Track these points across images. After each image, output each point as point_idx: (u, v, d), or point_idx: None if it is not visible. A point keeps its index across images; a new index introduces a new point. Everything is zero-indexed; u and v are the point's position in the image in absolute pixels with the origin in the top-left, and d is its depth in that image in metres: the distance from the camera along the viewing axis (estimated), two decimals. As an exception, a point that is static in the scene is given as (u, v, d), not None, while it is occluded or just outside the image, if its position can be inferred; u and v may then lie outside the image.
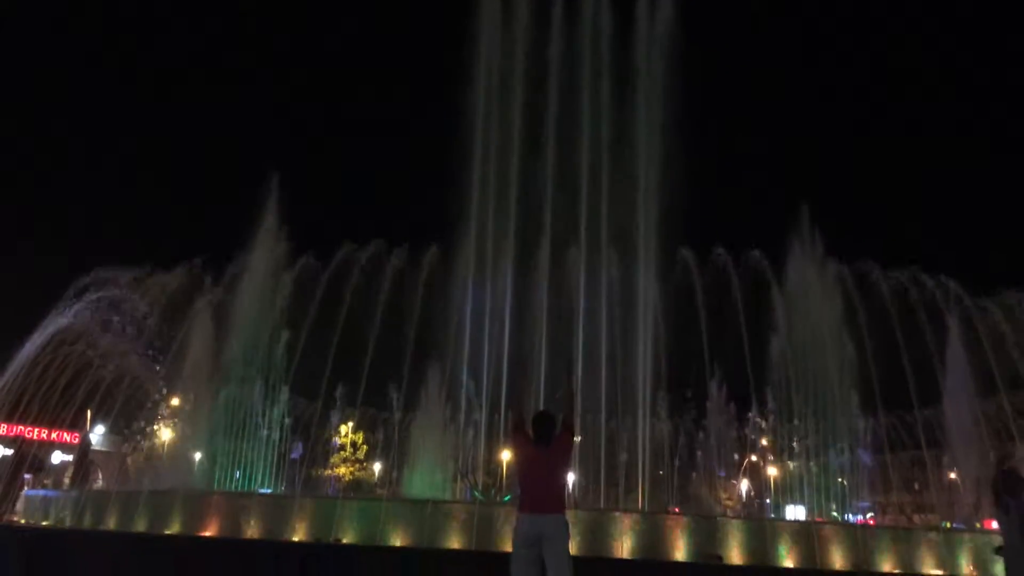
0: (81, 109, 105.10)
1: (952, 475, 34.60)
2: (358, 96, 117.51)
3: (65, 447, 50.82)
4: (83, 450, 38.52)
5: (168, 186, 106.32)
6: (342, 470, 55.26)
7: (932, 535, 16.95)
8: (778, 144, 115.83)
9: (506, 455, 34.47)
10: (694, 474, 43.01)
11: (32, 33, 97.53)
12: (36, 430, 49.03)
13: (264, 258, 30.47)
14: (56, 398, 34.37)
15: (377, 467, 53.07)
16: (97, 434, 48.98)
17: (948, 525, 25.54)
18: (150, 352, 34.57)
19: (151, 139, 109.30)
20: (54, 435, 50.69)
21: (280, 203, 31.81)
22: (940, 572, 15.45)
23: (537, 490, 8.33)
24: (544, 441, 8.58)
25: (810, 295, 29.89)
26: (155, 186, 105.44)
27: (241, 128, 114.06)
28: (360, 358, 25.91)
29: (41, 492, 26.36)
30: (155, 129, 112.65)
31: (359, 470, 57.09)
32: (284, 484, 36.38)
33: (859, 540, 15.80)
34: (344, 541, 15.11)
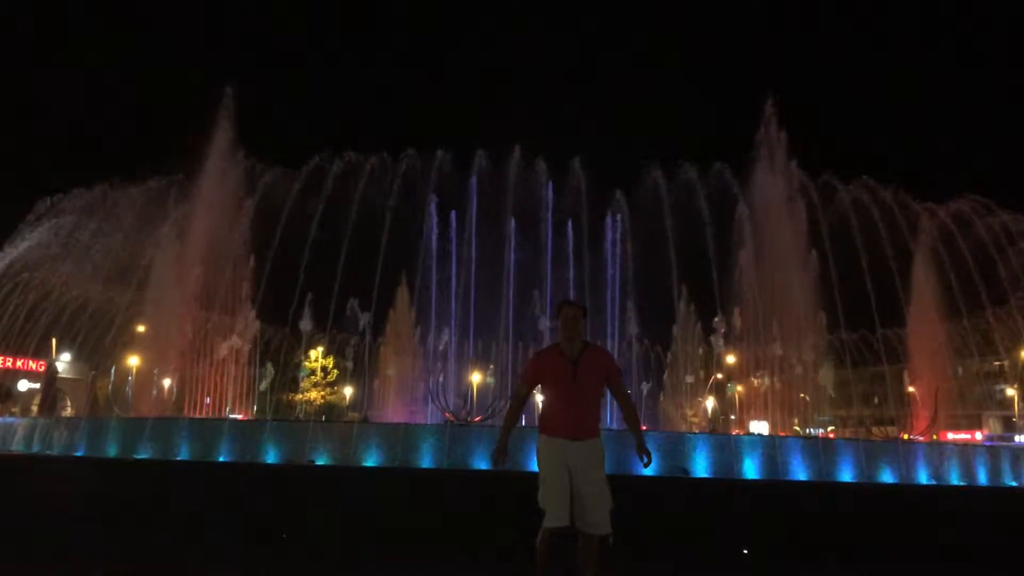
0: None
1: (911, 389, 35.54)
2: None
3: (31, 375, 50.50)
4: (50, 377, 38.29)
5: (135, 113, 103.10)
6: (313, 395, 55.61)
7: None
8: (745, 50, 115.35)
9: (476, 377, 34.79)
10: (662, 393, 43.84)
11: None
12: (1, 358, 48.58)
13: (225, 176, 29.77)
14: (20, 326, 33.96)
15: (348, 391, 53.46)
16: (63, 361, 48.66)
17: (906, 437, 26.30)
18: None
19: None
20: (19, 363, 50.30)
21: (238, 117, 30.92)
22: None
23: (566, 407, 6.70)
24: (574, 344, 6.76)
25: (776, 214, 30.05)
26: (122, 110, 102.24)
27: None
28: (329, 280, 25.80)
29: (9, 419, 26.19)
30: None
31: (330, 394, 57.50)
32: (255, 410, 36.56)
33: (820, 452, 16.31)
34: (318, 464, 15.27)
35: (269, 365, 32.96)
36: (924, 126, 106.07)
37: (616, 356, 30.37)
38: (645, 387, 36.71)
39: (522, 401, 7.37)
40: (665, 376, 42.88)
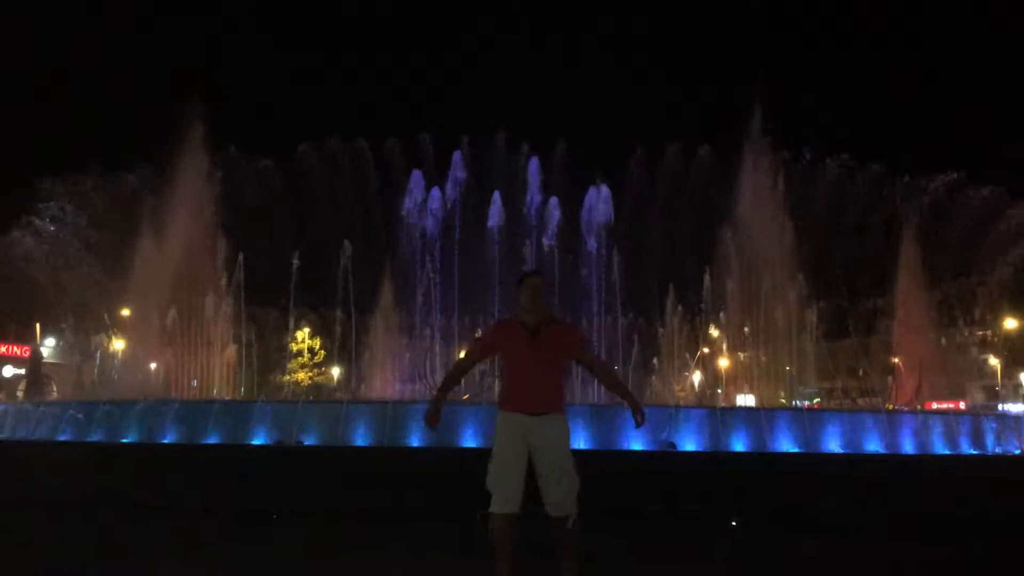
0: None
1: (895, 360, 35.80)
2: None
3: (16, 360, 50.20)
4: (35, 363, 38.04)
5: (134, 113, 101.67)
6: (300, 376, 55.52)
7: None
8: (743, 47, 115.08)
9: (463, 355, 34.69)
10: (652, 366, 43.93)
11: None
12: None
13: (205, 163, 29.55)
14: (3, 313, 33.74)
15: (336, 371, 53.37)
16: (48, 346, 48.38)
17: (891, 407, 26.51)
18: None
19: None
20: (3, 349, 50.00)
21: (219, 108, 30.73)
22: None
23: (525, 380, 6.19)
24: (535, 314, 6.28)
25: (760, 190, 30.15)
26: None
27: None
28: (315, 261, 25.72)
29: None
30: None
31: (317, 375, 57.43)
32: (242, 391, 36.43)
33: (805, 423, 16.43)
34: (306, 444, 15.26)
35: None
36: (923, 125, 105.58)
37: (603, 333, 30.52)
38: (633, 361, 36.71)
39: (466, 366, 7.00)
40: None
